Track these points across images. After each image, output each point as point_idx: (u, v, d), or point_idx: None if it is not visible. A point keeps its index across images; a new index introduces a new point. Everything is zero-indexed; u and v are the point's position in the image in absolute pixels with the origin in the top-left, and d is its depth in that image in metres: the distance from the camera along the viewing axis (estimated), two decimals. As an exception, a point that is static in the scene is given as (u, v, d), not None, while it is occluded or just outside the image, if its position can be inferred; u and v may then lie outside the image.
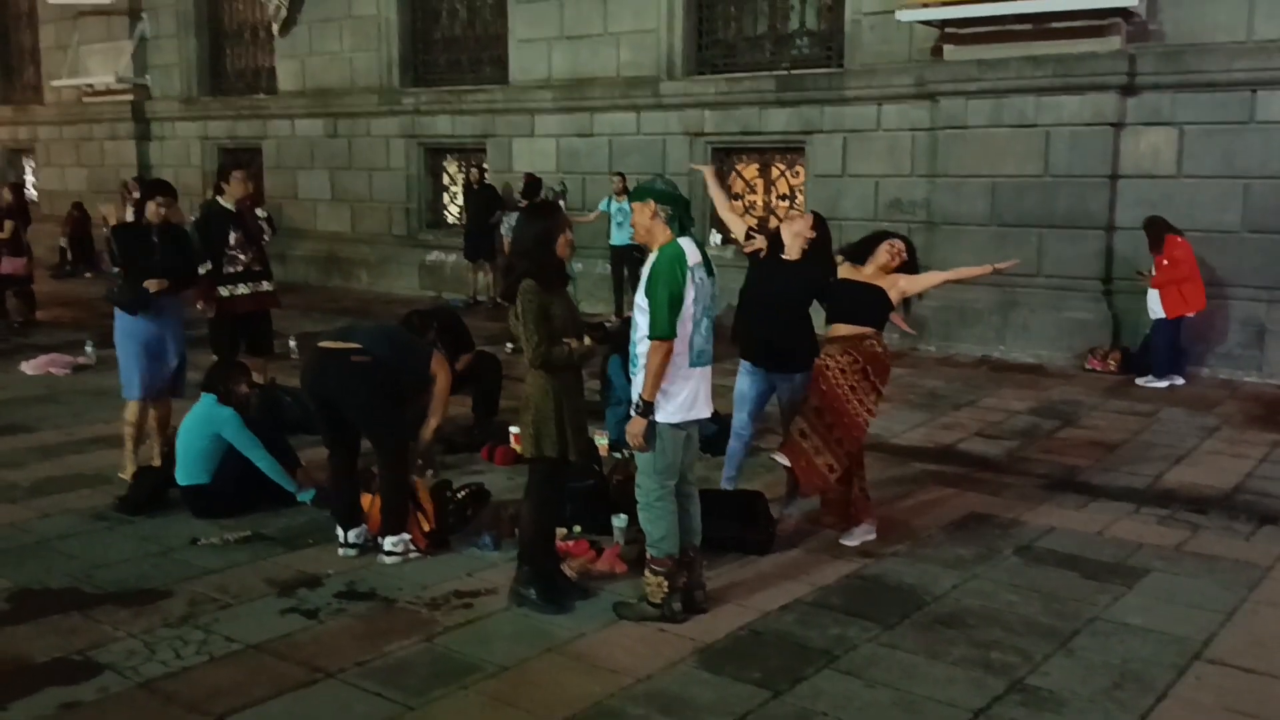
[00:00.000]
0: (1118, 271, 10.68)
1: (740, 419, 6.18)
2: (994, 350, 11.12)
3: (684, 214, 4.74)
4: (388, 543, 5.50)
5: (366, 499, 5.74)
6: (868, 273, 5.81)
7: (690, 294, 4.56)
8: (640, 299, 4.61)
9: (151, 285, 6.60)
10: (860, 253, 5.90)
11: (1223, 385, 9.86)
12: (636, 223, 4.72)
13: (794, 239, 5.87)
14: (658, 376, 4.54)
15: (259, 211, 8.04)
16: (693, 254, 4.62)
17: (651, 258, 4.64)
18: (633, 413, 4.62)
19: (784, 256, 5.90)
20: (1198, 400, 9.29)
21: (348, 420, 5.54)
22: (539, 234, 4.73)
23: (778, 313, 5.85)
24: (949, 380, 10.06)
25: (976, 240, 11.10)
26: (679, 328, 4.54)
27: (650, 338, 4.53)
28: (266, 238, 7.99)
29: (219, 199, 7.91)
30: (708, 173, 6.43)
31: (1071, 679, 4.29)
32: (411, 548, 5.53)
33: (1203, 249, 10.15)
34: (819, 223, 5.95)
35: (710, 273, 4.74)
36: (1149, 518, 6.27)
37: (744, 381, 6.10)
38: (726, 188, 6.12)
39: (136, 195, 7.22)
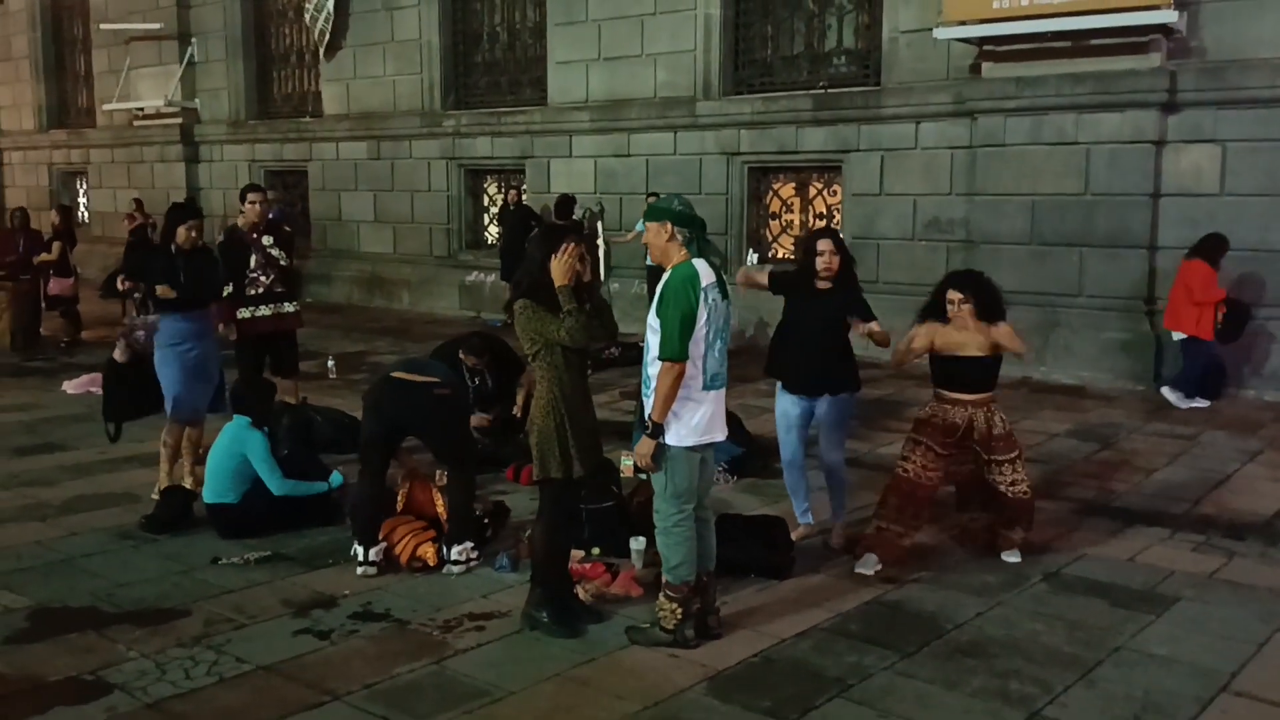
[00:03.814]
0: (1160, 291, 10.46)
1: (791, 443, 5.99)
2: (1035, 371, 10.92)
3: (700, 235, 4.70)
4: (454, 552, 5.62)
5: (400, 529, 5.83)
6: (961, 340, 5.66)
7: (703, 315, 4.51)
8: (652, 319, 4.58)
9: (160, 289, 6.64)
10: (937, 307, 5.77)
11: (1267, 407, 9.61)
12: (652, 242, 4.70)
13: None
14: (668, 398, 4.50)
15: (265, 240, 8.03)
16: (706, 275, 4.57)
17: (664, 277, 4.60)
18: (643, 433, 4.59)
19: (817, 286, 5.82)
20: (1241, 423, 9.07)
21: (398, 443, 5.93)
22: (542, 258, 4.73)
23: (819, 342, 5.76)
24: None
25: (1016, 259, 10.95)
26: (691, 349, 4.49)
27: (661, 359, 4.49)
28: (283, 263, 8.03)
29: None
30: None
31: (1091, 710, 4.17)
32: (472, 555, 5.64)
33: (1248, 267, 9.95)
34: (839, 247, 5.85)
35: (724, 295, 4.70)
36: (1183, 544, 6.11)
37: (786, 402, 5.98)
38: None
39: (152, 222, 7.36)
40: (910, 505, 5.66)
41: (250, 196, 8.08)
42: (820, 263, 5.72)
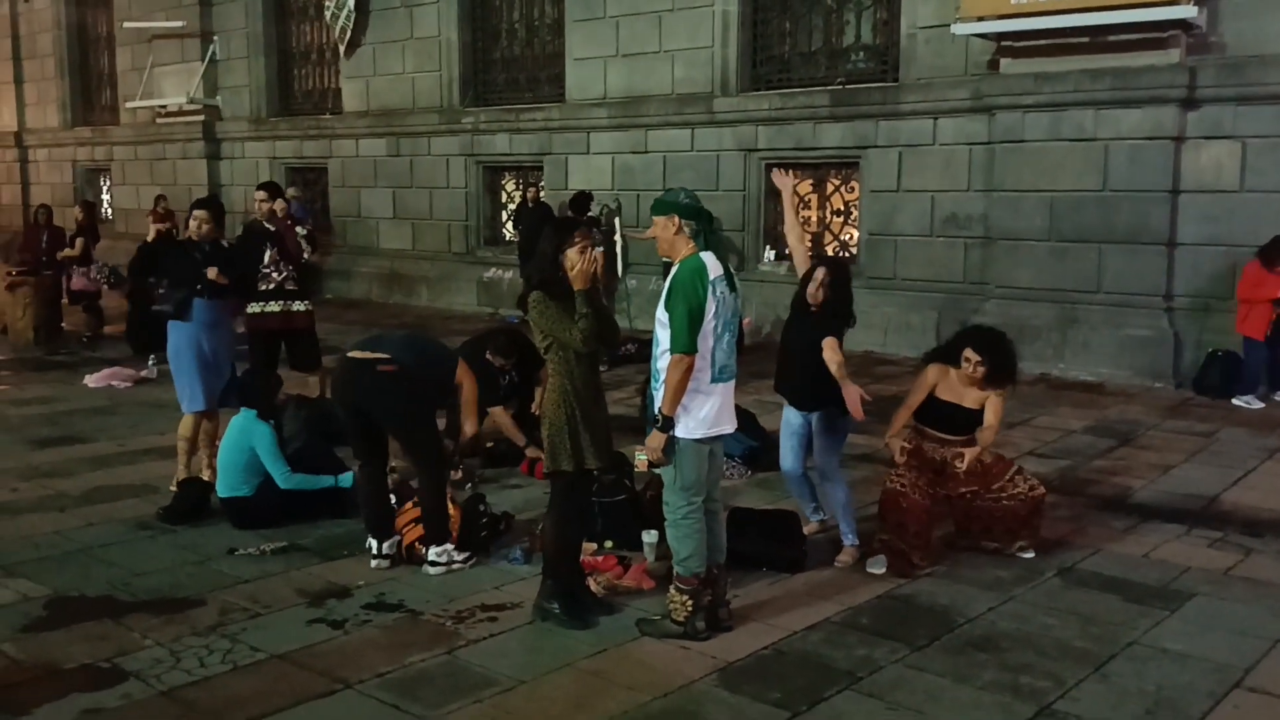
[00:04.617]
0: (1179, 288, 10.42)
1: (790, 450, 5.92)
2: (1053, 368, 10.88)
3: (707, 229, 4.70)
4: (432, 553, 5.54)
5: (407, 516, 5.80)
6: (963, 392, 5.75)
7: (711, 308, 4.51)
8: (660, 313, 4.58)
9: (211, 272, 6.72)
10: (952, 355, 5.79)
11: (1287, 406, 9.55)
12: (659, 235, 4.68)
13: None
14: (678, 392, 4.50)
15: (299, 230, 8.12)
16: (714, 267, 4.57)
17: (672, 271, 4.61)
18: (654, 427, 4.60)
19: (810, 308, 5.76)
20: (1261, 421, 9.01)
21: (378, 429, 5.66)
22: (554, 252, 4.74)
23: (805, 360, 5.70)
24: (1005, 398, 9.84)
25: (1034, 255, 10.92)
26: (700, 343, 4.50)
27: (671, 352, 4.49)
28: (306, 257, 8.08)
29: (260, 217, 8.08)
30: (786, 195, 6.25)
31: (1103, 705, 4.16)
32: (455, 557, 5.55)
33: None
34: (836, 273, 5.76)
35: (733, 287, 4.69)
36: (1199, 540, 6.08)
37: (789, 410, 5.94)
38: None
39: (173, 224, 7.47)
40: (907, 521, 5.59)
41: (256, 195, 8.16)
42: (810, 289, 5.69)
